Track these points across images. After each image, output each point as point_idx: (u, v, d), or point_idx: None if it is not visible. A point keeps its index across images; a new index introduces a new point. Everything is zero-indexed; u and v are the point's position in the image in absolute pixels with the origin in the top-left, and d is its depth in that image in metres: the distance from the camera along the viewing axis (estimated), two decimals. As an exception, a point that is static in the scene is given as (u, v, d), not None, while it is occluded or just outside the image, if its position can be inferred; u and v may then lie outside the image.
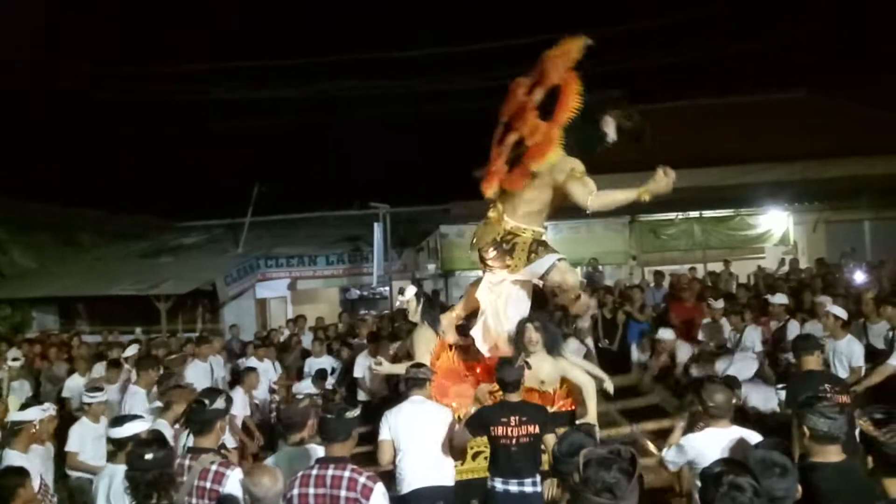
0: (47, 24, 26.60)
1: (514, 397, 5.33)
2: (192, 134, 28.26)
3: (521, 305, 6.82)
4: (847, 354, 7.75)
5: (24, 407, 5.78)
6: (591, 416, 5.94)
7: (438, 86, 24.34)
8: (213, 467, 4.24)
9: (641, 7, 30.92)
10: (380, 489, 4.00)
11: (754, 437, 4.56)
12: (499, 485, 5.17)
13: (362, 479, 3.98)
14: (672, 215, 18.49)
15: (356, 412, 4.23)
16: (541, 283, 6.78)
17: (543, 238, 6.82)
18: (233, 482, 4.15)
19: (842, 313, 8.08)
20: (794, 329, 9.04)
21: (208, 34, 32.18)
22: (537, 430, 5.16)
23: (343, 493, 3.94)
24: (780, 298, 10.07)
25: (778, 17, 26.28)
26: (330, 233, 20.48)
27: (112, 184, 28.64)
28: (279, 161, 33.52)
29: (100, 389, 7.20)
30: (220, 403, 4.47)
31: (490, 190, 6.87)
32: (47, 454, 6.13)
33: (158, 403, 7.20)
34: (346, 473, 3.99)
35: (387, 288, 18.10)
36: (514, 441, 5.14)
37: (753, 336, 9.52)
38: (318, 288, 19.63)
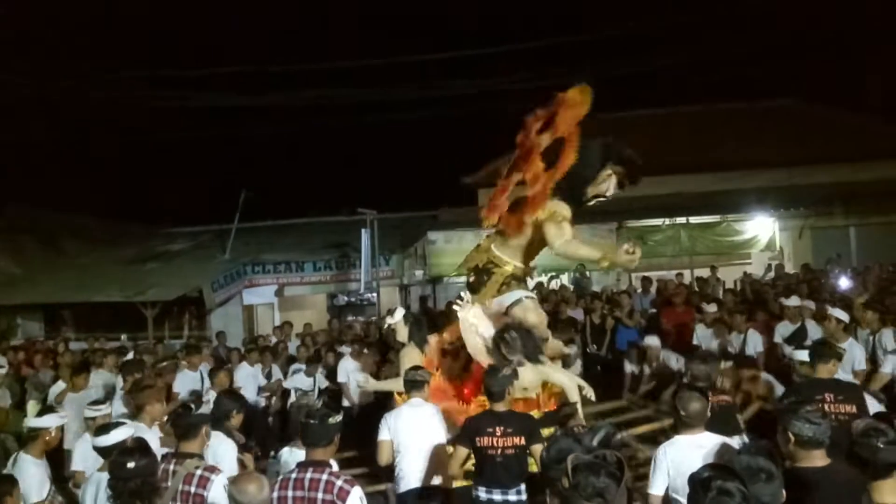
0: (34, 28, 26.50)
1: (500, 406, 5.32)
2: (179, 140, 28.13)
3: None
4: (849, 358, 7.70)
5: (41, 414, 5.76)
6: (579, 416, 5.95)
7: (427, 92, 24.39)
8: (198, 472, 4.27)
9: (628, 14, 31.05)
10: (357, 492, 4.03)
11: (726, 443, 4.57)
12: (483, 494, 5.18)
13: (339, 482, 4.02)
14: (659, 221, 18.55)
15: (339, 417, 4.26)
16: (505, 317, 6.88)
17: (525, 275, 7.06)
18: (217, 487, 4.19)
19: (843, 316, 8.10)
20: (812, 329, 8.93)
21: (196, 41, 32.11)
22: (523, 441, 5.16)
23: (320, 495, 3.99)
24: (794, 301, 9.85)
25: (766, 25, 26.46)
26: (317, 239, 20.43)
27: (98, 190, 28.56)
28: (266, 167, 33.50)
29: (101, 402, 7.07)
30: (204, 409, 4.47)
31: (489, 221, 7.10)
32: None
33: (124, 409, 7.17)
34: (324, 476, 4.04)
35: (374, 294, 18.07)
36: (499, 452, 5.14)
37: (756, 339, 9.48)
38: (306, 294, 19.56)
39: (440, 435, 5.69)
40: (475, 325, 6.80)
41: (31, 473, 5.05)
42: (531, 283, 7.75)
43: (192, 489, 4.20)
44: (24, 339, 16.43)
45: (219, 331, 15.10)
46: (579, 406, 6.08)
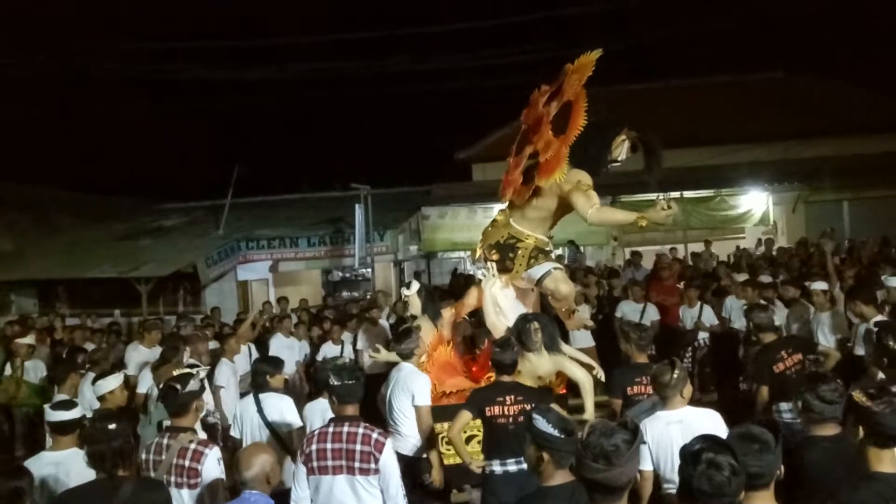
0: (24, 3, 26.21)
1: (507, 379, 5.37)
2: (171, 115, 27.99)
3: (524, 307, 6.94)
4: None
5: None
6: (589, 412, 5.91)
7: (421, 66, 24.28)
8: (192, 446, 4.33)
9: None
10: (390, 443, 4.42)
11: (708, 415, 4.67)
12: (497, 468, 5.18)
13: (375, 435, 4.37)
14: (653, 196, 18.52)
15: (362, 377, 4.58)
16: (535, 289, 6.94)
17: (548, 247, 7.01)
18: (211, 461, 4.28)
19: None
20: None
21: (187, 13, 31.82)
22: (534, 406, 5.18)
23: (358, 446, 4.33)
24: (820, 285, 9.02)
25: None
26: (311, 214, 20.37)
27: (90, 166, 28.42)
28: (259, 142, 33.37)
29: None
30: (193, 385, 4.52)
31: (506, 197, 7.13)
32: None
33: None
34: (360, 430, 4.37)
35: (369, 270, 18.07)
36: (511, 420, 5.17)
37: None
38: (300, 270, 19.53)
39: (408, 405, 5.89)
40: (498, 300, 6.86)
41: None
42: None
43: (187, 463, 4.26)
44: (19, 316, 16.42)
45: (213, 307, 15.10)
46: (590, 400, 6.02)
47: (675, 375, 4.65)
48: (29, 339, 10.41)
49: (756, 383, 6.47)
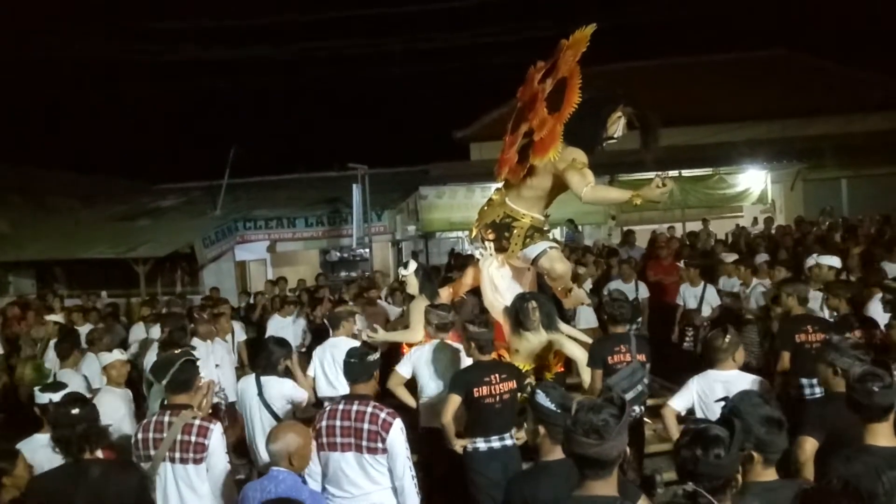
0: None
1: (486, 358, 5.40)
2: (168, 95, 27.84)
3: (520, 286, 6.95)
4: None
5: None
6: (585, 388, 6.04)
7: (418, 45, 24.14)
8: (196, 422, 4.35)
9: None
10: (398, 424, 4.41)
11: (755, 381, 4.95)
12: (481, 444, 5.22)
13: (383, 415, 4.39)
14: (651, 174, 18.41)
15: (376, 355, 4.65)
16: (531, 268, 6.97)
17: (544, 226, 7.05)
18: (217, 435, 4.33)
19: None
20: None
21: (182, -7, 31.63)
22: (515, 385, 5.30)
23: (365, 425, 4.38)
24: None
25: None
26: (309, 194, 20.33)
27: (86, 146, 28.30)
28: (256, 122, 33.25)
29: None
30: (192, 363, 4.56)
31: (501, 176, 7.14)
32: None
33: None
34: (369, 409, 4.42)
35: (367, 250, 18.07)
36: (497, 399, 5.21)
37: (758, 294, 8.98)
38: (298, 250, 19.54)
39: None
40: (494, 280, 6.88)
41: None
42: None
43: (193, 438, 4.28)
44: (17, 297, 16.42)
45: (212, 287, 15.10)
46: (587, 379, 6.09)
47: (726, 341, 5.03)
48: (58, 317, 10.40)
49: (779, 349, 6.48)
